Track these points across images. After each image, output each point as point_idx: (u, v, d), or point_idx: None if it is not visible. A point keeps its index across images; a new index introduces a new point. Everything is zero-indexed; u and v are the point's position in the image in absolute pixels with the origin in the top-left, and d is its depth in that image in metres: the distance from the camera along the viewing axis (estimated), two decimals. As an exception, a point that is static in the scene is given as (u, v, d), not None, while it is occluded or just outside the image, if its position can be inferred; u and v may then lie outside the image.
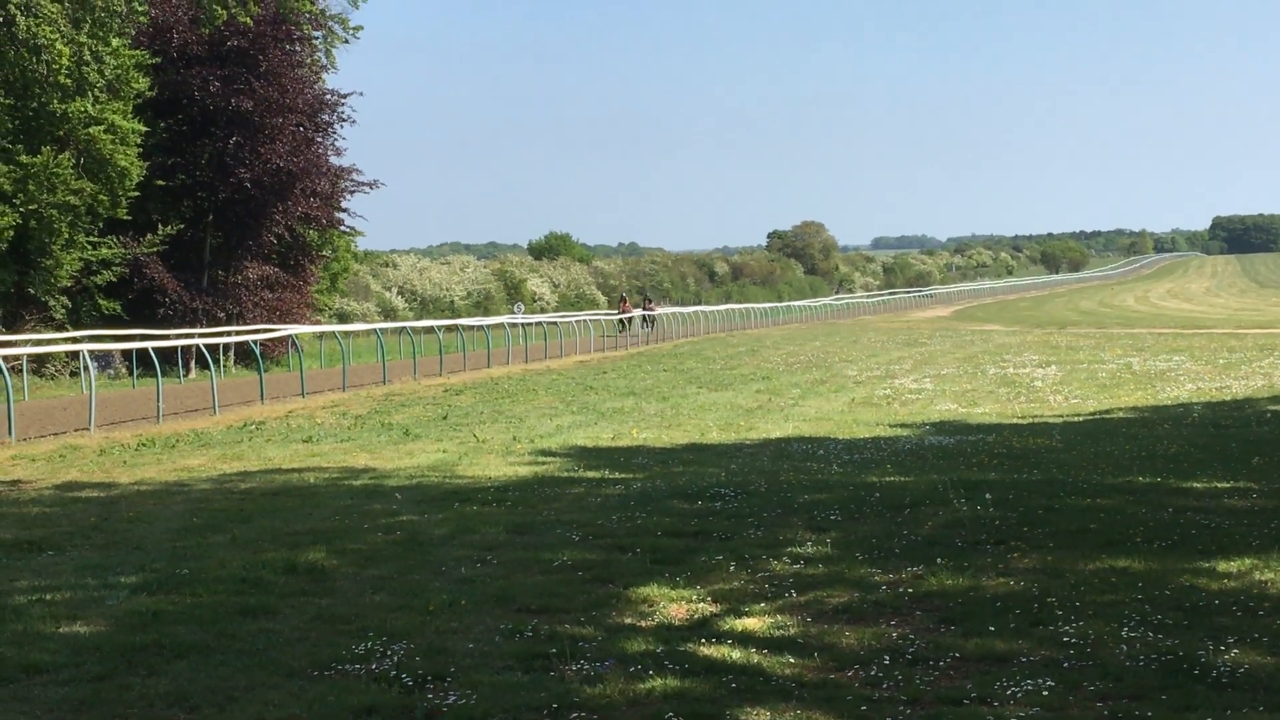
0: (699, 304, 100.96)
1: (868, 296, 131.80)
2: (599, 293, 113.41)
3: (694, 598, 9.69)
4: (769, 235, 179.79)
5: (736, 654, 8.24)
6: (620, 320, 69.00)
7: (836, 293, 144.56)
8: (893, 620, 9.05)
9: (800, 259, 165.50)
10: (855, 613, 9.26)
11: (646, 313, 71.33)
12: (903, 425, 23.08)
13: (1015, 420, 24.02)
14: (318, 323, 53.69)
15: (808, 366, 40.50)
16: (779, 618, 9.13)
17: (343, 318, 72.22)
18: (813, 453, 18.73)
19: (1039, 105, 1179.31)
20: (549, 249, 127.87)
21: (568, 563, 10.94)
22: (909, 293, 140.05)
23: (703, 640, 8.59)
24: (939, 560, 10.63)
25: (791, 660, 8.13)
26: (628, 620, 9.15)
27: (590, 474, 16.87)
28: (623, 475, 16.57)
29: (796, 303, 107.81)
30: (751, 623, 9.02)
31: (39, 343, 35.42)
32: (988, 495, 13.65)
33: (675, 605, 9.51)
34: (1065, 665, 7.90)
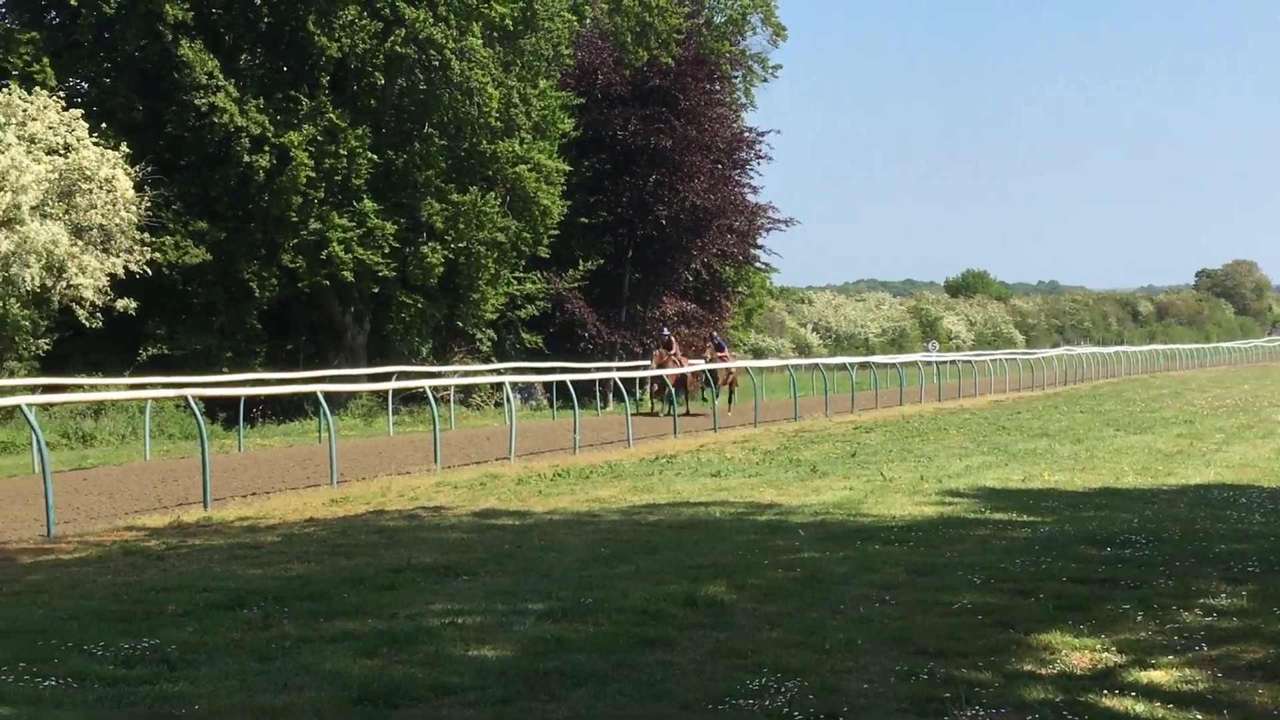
0: (1120, 344, 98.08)
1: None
2: (1016, 331, 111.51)
3: (1098, 647, 9.39)
4: (1197, 274, 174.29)
5: (1140, 707, 7.95)
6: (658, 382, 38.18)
7: (1269, 334, 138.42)
8: (1312, 680, 8.58)
9: (1230, 299, 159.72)
10: (1271, 670, 8.80)
11: (713, 364, 38.13)
12: (1335, 474, 21.90)
13: None
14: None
15: (1234, 410, 38.83)
16: (1187, 671, 8.76)
17: (757, 353, 73.06)
18: (1234, 500, 17.94)
19: None
20: (965, 286, 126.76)
21: (968, 606, 10.74)
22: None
23: (1105, 691, 8.31)
24: (1366, 618, 10.03)
25: (1199, 716, 7.80)
26: (1027, 667, 8.94)
27: (997, 516, 16.53)
28: (1030, 518, 16.19)
29: (1225, 344, 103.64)
30: (1158, 675, 8.69)
31: (466, 374, 37.03)
32: None
33: (1078, 654, 9.23)
34: None
